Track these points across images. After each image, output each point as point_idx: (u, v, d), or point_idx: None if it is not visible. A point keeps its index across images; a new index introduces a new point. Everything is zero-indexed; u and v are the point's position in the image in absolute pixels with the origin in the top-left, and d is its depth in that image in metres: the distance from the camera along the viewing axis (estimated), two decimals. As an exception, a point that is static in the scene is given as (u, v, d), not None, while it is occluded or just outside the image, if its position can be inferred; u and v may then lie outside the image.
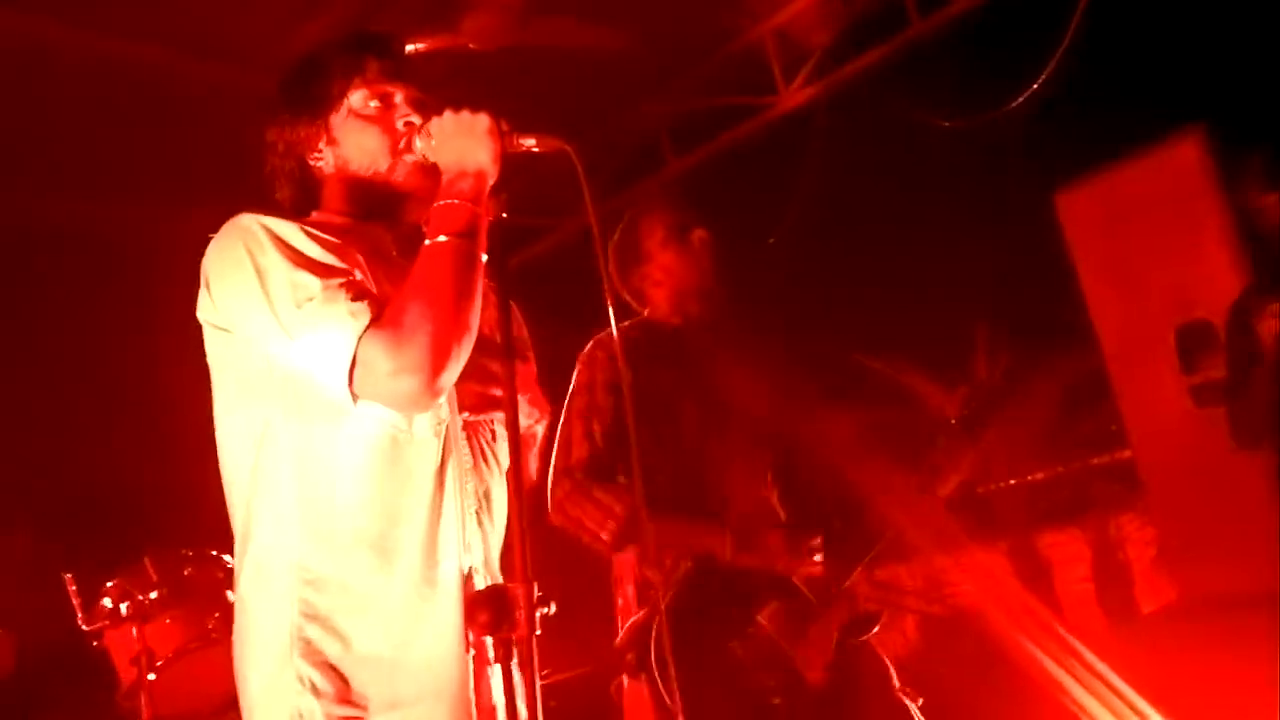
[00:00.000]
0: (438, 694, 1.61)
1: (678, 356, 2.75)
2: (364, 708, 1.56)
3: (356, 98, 1.74)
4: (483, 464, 1.70)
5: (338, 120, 1.75)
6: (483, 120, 1.62)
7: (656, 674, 2.46)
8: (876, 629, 2.72)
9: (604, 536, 2.57)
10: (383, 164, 1.72)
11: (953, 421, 2.83)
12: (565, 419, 2.69)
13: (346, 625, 1.57)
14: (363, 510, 1.60)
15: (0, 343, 4.67)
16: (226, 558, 3.53)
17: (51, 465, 4.92)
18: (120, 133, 4.63)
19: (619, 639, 2.61)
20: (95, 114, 4.52)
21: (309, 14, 4.37)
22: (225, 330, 1.63)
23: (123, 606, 3.29)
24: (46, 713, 3.95)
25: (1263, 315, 3.04)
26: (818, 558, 2.60)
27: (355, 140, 1.74)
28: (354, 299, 1.52)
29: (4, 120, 4.34)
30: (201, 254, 1.66)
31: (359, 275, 1.59)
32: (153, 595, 3.31)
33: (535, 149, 1.64)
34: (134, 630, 3.26)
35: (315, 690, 1.54)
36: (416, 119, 1.72)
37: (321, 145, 1.75)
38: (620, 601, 2.69)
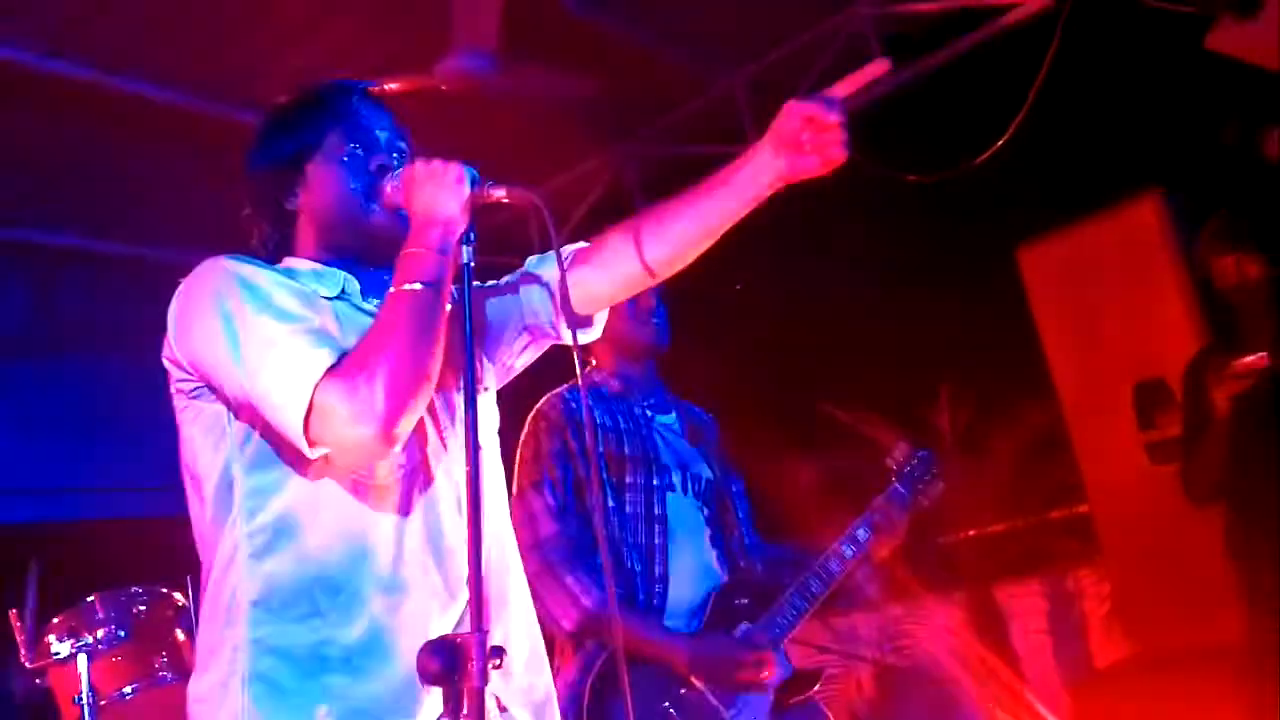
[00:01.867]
0: None
1: (618, 416, 2.73)
2: None
3: (332, 143, 1.75)
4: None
5: (313, 166, 1.75)
6: (454, 170, 1.63)
7: None
8: (817, 687, 2.71)
9: (565, 625, 2.54)
10: (354, 209, 1.73)
11: (894, 480, 2.85)
12: (520, 491, 2.65)
13: (303, 667, 1.55)
14: (322, 555, 1.58)
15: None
16: (177, 596, 3.47)
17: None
18: (91, 160, 4.63)
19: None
20: (73, 141, 4.52)
21: (286, 51, 4.40)
22: (188, 374, 1.63)
23: (69, 644, 3.22)
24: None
25: (1216, 378, 3.08)
26: (767, 675, 2.57)
27: (328, 185, 1.74)
28: (314, 346, 1.52)
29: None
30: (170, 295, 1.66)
31: (322, 323, 1.58)
32: (100, 633, 3.24)
33: (505, 200, 1.65)
34: (79, 669, 3.18)
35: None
36: (390, 164, 1.73)
37: (297, 190, 1.76)
38: (558, 662, 2.65)
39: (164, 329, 1.65)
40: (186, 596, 3.47)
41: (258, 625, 1.56)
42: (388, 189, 1.71)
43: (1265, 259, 3.09)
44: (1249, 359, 2.98)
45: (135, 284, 5.13)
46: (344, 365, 1.51)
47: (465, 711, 1.37)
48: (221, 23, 4.19)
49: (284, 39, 4.35)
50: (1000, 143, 4.82)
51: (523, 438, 2.71)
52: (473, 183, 1.64)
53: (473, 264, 1.63)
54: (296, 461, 1.57)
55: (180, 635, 3.40)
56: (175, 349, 1.63)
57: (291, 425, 1.49)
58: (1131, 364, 4.38)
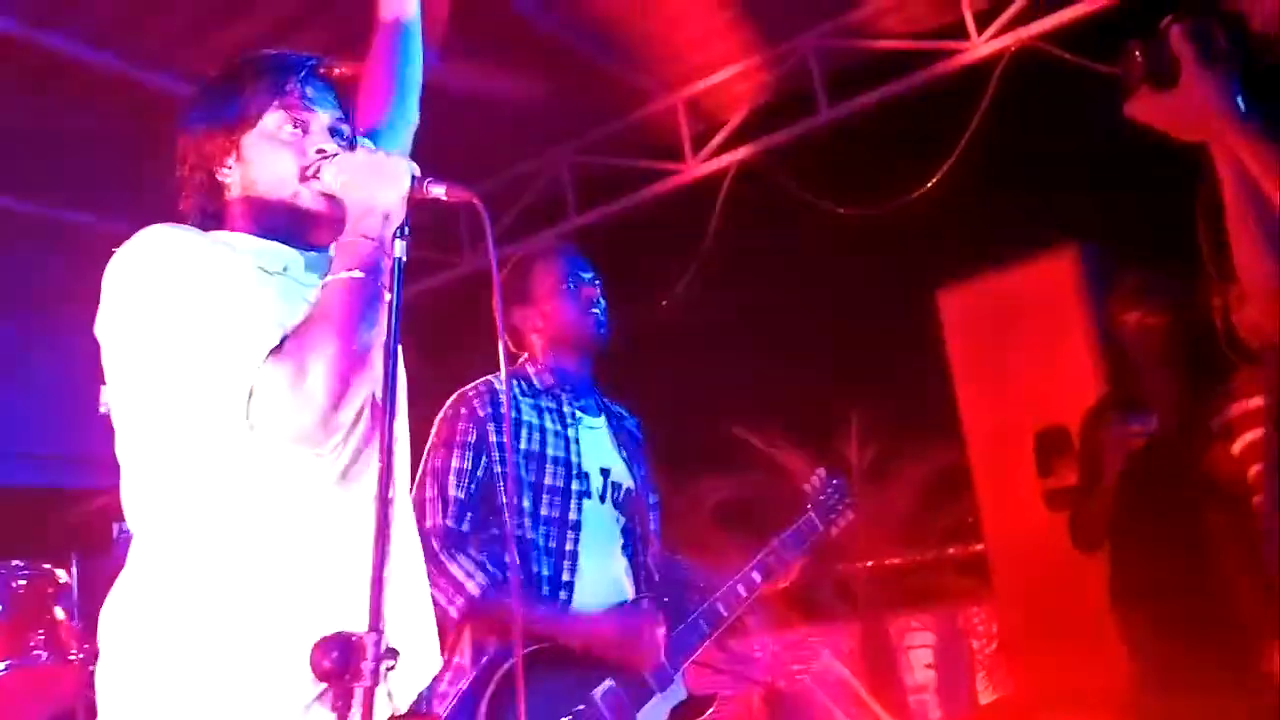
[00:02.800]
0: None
1: (545, 414, 2.72)
2: None
3: (272, 120, 1.71)
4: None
5: (250, 139, 1.71)
6: (396, 162, 1.61)
7: None
8: (711, 710, 2.71)
9: (451, 612, 2.51)
10: (288, 189, 1.70)
11: (808, 507, 2.87)
12: (420, 479, 2.59)
13: (227, 669, 1.51)
14: (261, 548, 1.54)
15: None
16: (60, 573, 3.35)
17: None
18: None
19: (439, 696, 2.54)
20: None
21: (222, 24, 4.31)
22: (122, 347, 1.57)
23: (-59, 615, 3.09)
24: None
25: (1109, 431, 3.17)
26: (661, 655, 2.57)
27: (264, 162, 1.70)
28: (257, 327, 1.49)
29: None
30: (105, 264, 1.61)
31: (265, 301, 1.55)
32: (-25, 606, 3.13)
33: (444, 198, 1.63)
34: (-50, 641, 3.06)
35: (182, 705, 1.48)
36: (329, 148, 1.70)
37: (230, 162, 1.71)
38: (454, 659, 2.61)
39: (69, 293, 1.60)
40: (69, 574, 3.36)
41: (187, 624, 1.52)
42: (325, 172, 1.67)
43: (1168, 317, 3.17)
44: (1138, 426, 3.07)
45: (42, 245, 4.96)
46: (285, 349, 1.48)
47: (352, 711, 1.34)
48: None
49: (221, 12, 4.27)
50: (929, 185, 4.94)
51: (439, 419, 2.66)
52: (412, 177, 1.62)
53: (405, 259, 1.61)
54: (231, 440, 1.52)
55: (59, 614, 3.28)
56: (110, 320, 1.57)
57: (231, 406, 1.46)
58: (1036, 411, 4.49)
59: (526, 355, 2.81)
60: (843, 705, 4.80)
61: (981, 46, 4.82)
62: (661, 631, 2.57)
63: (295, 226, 1.70)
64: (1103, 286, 4.11)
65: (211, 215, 1.73)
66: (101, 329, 1.60)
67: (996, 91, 4.77)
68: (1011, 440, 4.57)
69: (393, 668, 1.40)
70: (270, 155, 1.70)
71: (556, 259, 2.83)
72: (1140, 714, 3.19)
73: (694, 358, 6.04)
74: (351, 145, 1.71)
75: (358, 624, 1.44)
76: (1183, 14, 1.72)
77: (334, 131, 1.73)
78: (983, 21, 4.84)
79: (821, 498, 2.92)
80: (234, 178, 1.72)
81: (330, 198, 1.66)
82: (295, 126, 1.71)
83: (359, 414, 1.58)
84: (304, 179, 1.68)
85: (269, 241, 1.69)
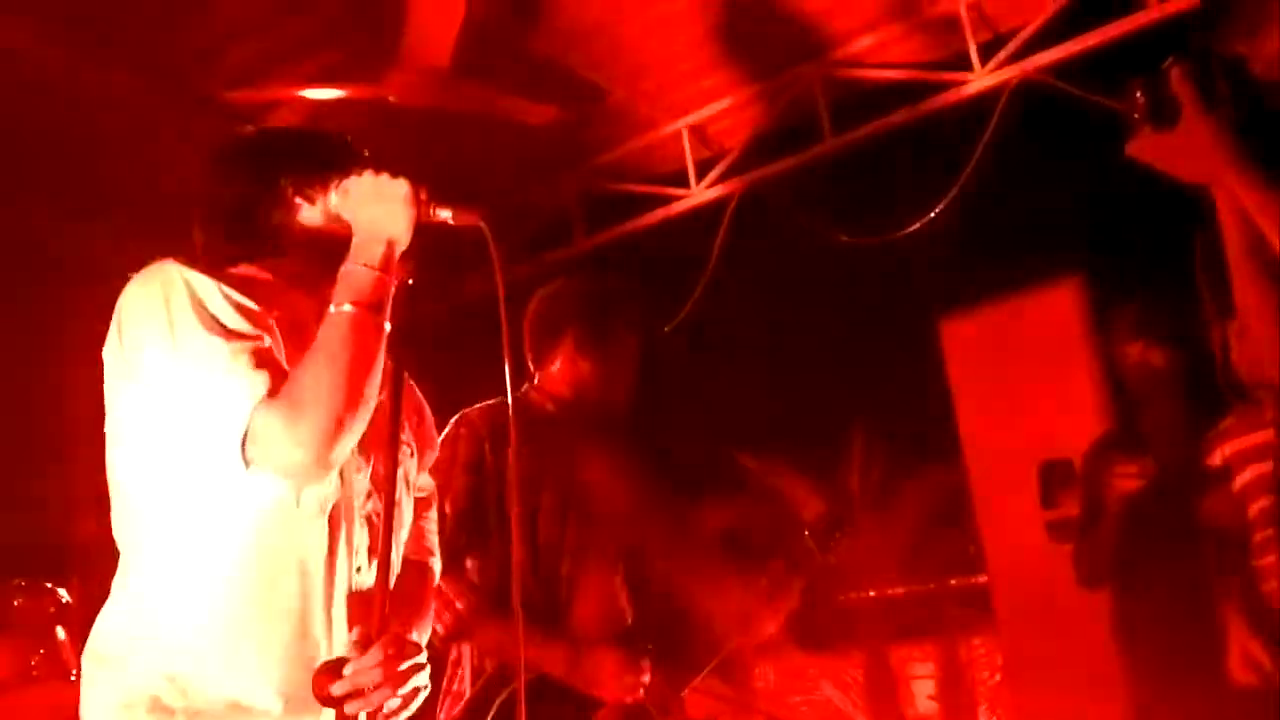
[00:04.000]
0: None
1: (545, 442, 2.68)
2: None
3: (284, 189, 1.72)
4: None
5: (269, 209, 1.72)
6: (401, 187, 1.61)
7: None
8: None
9: (438, 629, 2.49)
10: (293, 237, 1.72)
11: (806, 534, 2.87)
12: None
13: (204, 686, 1.52)
14: (242, 576, 1.55)
15: None
16: (61, 592, 3.35)
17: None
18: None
19: (451, 717, 2.53)
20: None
21: (235, 45, 4.34)
22: (127, 375, 1.58)
23: (-60, 632, 3.09)
24: None
25: (1110, 470, 3.15)
26: (640, 690, 2.57)
27: (283, 224, 1.72)
28: (256, 367, 1.50)
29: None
30: (107, 282, 1.62)
31: (268, 342, 1.56)
32: (-26, 625, 3.12)
33: (450, 221, 1.64)
34: (-50, 658, 3.06)
35: None
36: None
37: (260, 219, 1.72)
38: (454, 686, 2.61)
39: (75, 308, 1.61)
40: (71, 593, 3.35)
41: (168, 643, 1.52)
42: (330, 198, 1.68)
43: (1170, 351, 3.16)
44: (1136, 466, 3.06)
45: (51, 257, 4.95)
46: (283, 389, 1.49)
47: (357, 737, 1.34)
48: (173, 7, 4.12)
49: (234, 33, 4.30)
50: (934, 214, 4.95)
51: (441, 439, 2.67)
52: (418, 201, 1.63)
53: (411, 282, 1.61)
54: (226, 478, 1.53)
55: (61, 634, 3.27)
56: (119, 347, 1.59)
57: (227, 445, 1.47)
58: (1040, 441, 4.47)
59: (536, 380, 2.81)
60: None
61: (985, 78, 4.85)
62: (645, 677, 2.56)
63: (302, 258, 1.71)
64: (1105, 318, 4.11)
65: (224, 254, 1.73)
66: (108, 354, 1.61)
67: (1000, 122, 4.79)
68: (1014, 471, 4.56)
69: (391, 693, 1.41)
70: (287, 218, 1.72)
71: (618, 309, 2.82)
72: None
73: (696, 383, 6.04)
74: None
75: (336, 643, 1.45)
76: (1183, 55, 1.74)
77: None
78: (986, 54, 4.87)
79: (819, 527, 2.92)
80: (276, 217, 1.72)
81: (333, 221, 1.66)
82: (306, 193, 1.73)
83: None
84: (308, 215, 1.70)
85: (281, 281, 1.70)
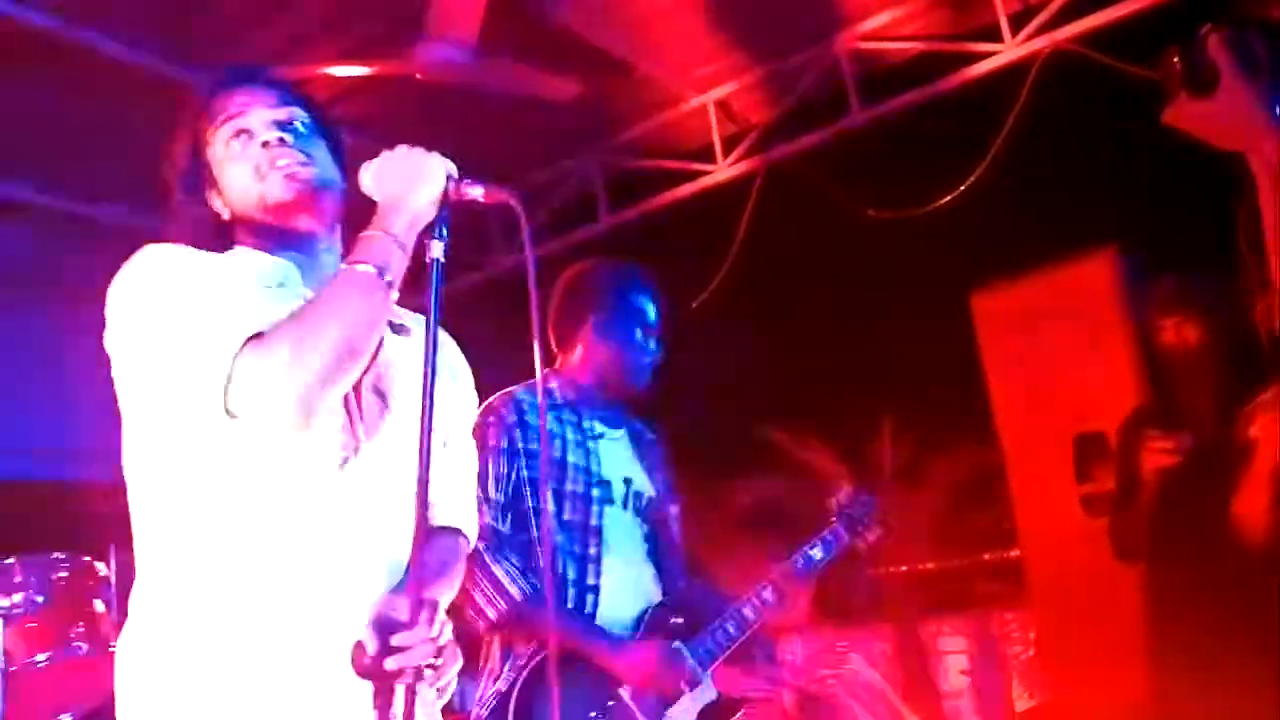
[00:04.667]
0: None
1: (565, 425, 2.70)
2: None
3: (218, 140, 1.73)
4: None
5: (215, 166, 1.73)
6: (430, 160, 1.61)
7: None
8: (741, 712, 2.71)
9: (489, 615, 2.51)
10: (252, 194, 1.70)
11: (832, 519, 2.86)
12: None
13: (238, 655, 1.53)
14: (263, 544, 1.56)
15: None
16: (99, 566, 3.40)
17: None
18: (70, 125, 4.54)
19: (478, 703, 2.55)
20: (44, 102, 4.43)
21: (257, 25, 4.35)
22: (121, 359, 1.60)
23: (-17, 606, 3.14)
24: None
25: (1145, 444, 3.12)
26: (682, 686, 2.58)
27: (227, 182, 1.72)
28: (238, 317, 1.50)
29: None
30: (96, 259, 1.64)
31: (251, 302, 1.56)
32: (17, 597, 3.17)
33: (481, 199, 1.63)
34: (-8, 631, 3.11)
35: (202, 710, 1.50)
36: (276, 135, 1.70)
37: (211, 193, 1.74)
38: (486, 665, 2.63)
39: (101, 287, 1.62)
40: (109, 566, 3.40)
41: (196, 613, 1.54)
42: (363, 174, 1.67)
43: (1207, 324, 3.13)
44: (1171, 441, 3.02)
45: (74, 239, 5.02)
46: (268, 333, 1.49)
47: (394, 708, 1.35)
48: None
49: (256, 13, 4.30)
50: (963, 187, 4.90)
51: (472, 424, 2.69)
52: (449, 178, 1.62)
53: (443, 260, 1.61)
54: (224, 440, 1.53)
55: (99, 606, 3.33)
56: (113, 334, 1.60)
57: (210, 393, 1.47)
58: (1074, 415, 4.45)
59: (558, 363, 2.82)
60: (875, 711, 4.78)
61: (1015, 48, 4.79)
62: (682, 676, 2.57)
63: (278, 223, 1.70)
64: (1140, 291, 4.06)
65: (217, 235, 1.74)
66: (107, 344, 1.62)
67: (1031, 93, 4.73)
68: (1048, 445, 4.53)
69: (433, 665, 1.41)
70: (228, 173, 1.72)
71: (638, 294, 2.82)
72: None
73: (725, 359, 6.03)
74: (304, 136, 1.72)
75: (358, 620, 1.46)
76: (1221, 22, 1.71)
77: (280, 125, 1.72)
78: (1017, 24, 4.81)
79: (849, 511, 2.91)
80: (219, 204, 1.74)
81: (292, 179, 1.66)
82: (235, 137, 1.72)
83: (354, 404, 1.59)
84: (260, 175, 1.69)
85: (268, 256, 1.70)
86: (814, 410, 5.82)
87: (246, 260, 1.69)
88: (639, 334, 2.80)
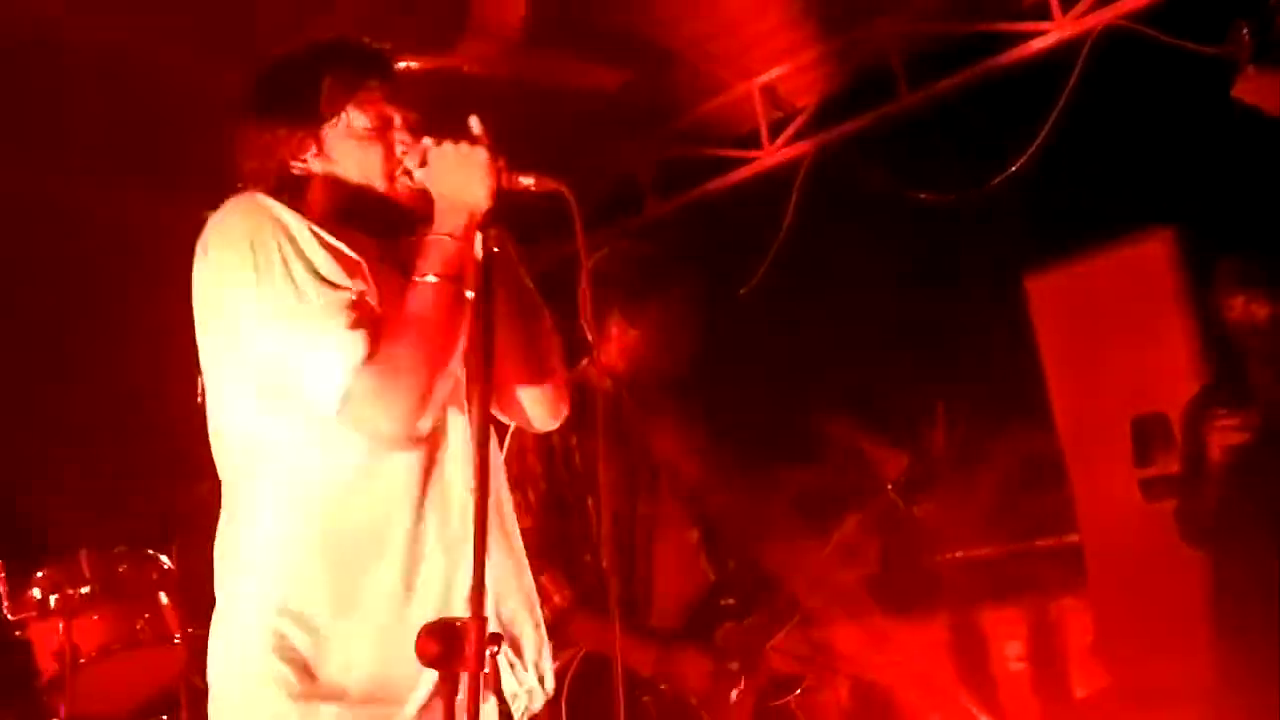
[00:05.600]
0: (413, 697, 1.58)
1: (607, 416, 2.69)
2: (339, 704, 1.52)
3: (356, 115, 1.72)
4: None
5: (333, 133, 1.71)
6: (481, 154, 1.61)
7: None
8: (798, 692, 2.71)
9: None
10: (379, 185, 1.71)
11: (889, 488, 2.84)
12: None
13: (324, 624, 1.54)
14: (346, 513, 1.58)
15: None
16: (164, 559, 3.46)
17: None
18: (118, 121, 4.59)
19: None
20: (99, 102, 4.49)
21: (304, 21, 4.38)
22: (217, 314, 1.60)
23: (51, 599, 3.21)
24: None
25: (1210, 424, 3.08)
26: (734, 694, 2.58)
27: (353, 157, 1.71)
28: (354, 325, 1.51)
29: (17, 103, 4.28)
30: (167, 247, 1.65)
31: (362, 290, 1.57)
32: (83, 590, 3.24)
33: (532, 188, 1.63)
34: (60, 624, 3.17)
35: (288, 687, 1.51)
36: (407, 145, 1.70)
37: (308, 155, 1.71)
38: None
39: (148, 276, 1.63)
40: (172, 560, 3.46)
41: (285, 581, 1.55)
42: (415, 173, 1.68)
43: (1274, 303, 3.08)
44: (1239, 419, 2.97)
45: (117, 232, 5.05)
46: (380, 358, 1.50)
47: (461, 696, 1.36)
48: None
49: (308, 7, 4.33)
50: (1015, 168, 4.83)
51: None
52: (500, 168, 1.62)
53: (498, 250, 1.61)
54: (318, 418, 1.55)
55: (164, 599, 3.38)
56: (206, 286, 1.60)
57: (324, 402, 1.50)
58: (1132, 398, 4.38)
59: (594, 354, 2.82)
60: (932, 698, 4.75)
61: (1065, 27, 4.70)
62: (736, 683, 2.56)
63: (378, 221, 1.71)
64: (1199, 272, 3.99)
65: (286, 203, 1.71)
66: (195, 284, 1.62)
67: (1083, 72, 4.64)
68: (1105, 428, 4.47)
69: (497, 653, 1.42)
70: (358, 150, 1.71)
71: (666, 280, 2.82)
72: (1236, 713, 3.11)
73: (774, 346, 6.00)
74: (438, 141, 1.71)
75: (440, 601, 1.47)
76: None
77: (414, 128, 1.73)
78: (1066, 2, 4.72)
79: (904, 480, 2.90)
80: (312, 168, 1.71)
81: (418, 194, 1.66)
82: (379, 122, 1.71)
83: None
84: (391, 176, 1.69)
85: (340, 228, 1.68)
86: (866, 395, 5.77)
87: (337, 238, 1.65)
88: (668, 316, 2.78)
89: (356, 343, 1.50)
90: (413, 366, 1.50)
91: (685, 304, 2.80)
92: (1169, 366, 4.25)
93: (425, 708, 1.59)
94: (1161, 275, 4.42)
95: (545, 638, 1.76)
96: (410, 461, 1.62)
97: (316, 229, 1.60)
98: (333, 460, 1.58)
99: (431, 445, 1.64)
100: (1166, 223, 4.51)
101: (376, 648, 1.56)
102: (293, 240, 1.56)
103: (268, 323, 1.52)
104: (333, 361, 1.49)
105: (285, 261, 1.54)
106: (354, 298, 1.55)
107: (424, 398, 1.51)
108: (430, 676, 1.55)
